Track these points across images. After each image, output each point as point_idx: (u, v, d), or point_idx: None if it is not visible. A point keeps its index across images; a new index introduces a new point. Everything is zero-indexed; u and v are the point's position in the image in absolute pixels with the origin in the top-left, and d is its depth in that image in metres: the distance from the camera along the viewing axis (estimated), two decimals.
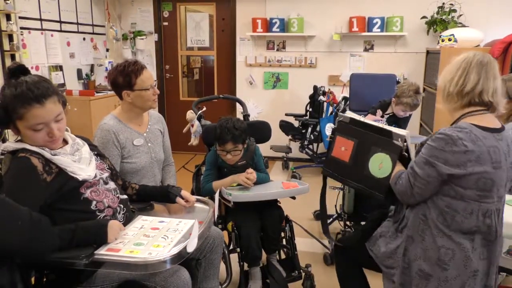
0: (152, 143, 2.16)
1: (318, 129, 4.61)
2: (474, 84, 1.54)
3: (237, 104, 5.13)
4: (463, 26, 4.49)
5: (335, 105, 4.63)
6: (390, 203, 1.80)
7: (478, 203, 1.51)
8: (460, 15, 4.59)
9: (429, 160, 1.51)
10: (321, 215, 2.06)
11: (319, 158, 4.81)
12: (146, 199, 1.87)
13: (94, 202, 1.52)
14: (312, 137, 4.63)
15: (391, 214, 1.78)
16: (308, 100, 4.79)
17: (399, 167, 1.67)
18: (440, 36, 4.15)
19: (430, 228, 1.56)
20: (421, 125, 4.82)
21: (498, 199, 1.54)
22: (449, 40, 4.00)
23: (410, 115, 3.08)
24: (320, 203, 2.03)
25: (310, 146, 4.78)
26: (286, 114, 4.87)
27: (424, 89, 4.82)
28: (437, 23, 4.56)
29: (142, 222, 1.65)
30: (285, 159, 4.99)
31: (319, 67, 5.12)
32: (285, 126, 4.79)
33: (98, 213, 1.52)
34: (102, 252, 1.39)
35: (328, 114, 4.73)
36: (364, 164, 1.75)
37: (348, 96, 4.10)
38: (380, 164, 1.71)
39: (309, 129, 4.62)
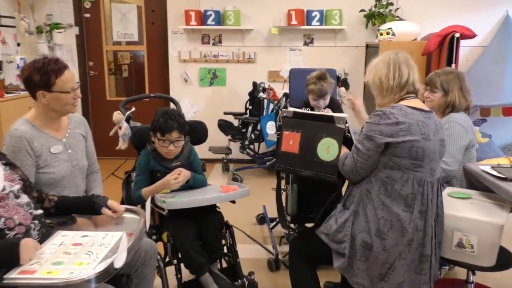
0: (72, 149, 2.08)
1: (259, 128, 4.65)
2: (407, 76, 1.86)
3: (171, 104, 5.01)
4: (401, 19, 4.75)
5: (276, 102, 4.71)
6: (342, 184, 2.04)
7: (412, 172, 1.77)
8: (397, 9, 4.86)
9: (367, 135, 1.78)
10: (278, 210, 2.30)
11: (261, 158, 4.86)
12: (67, 211, 1.79)
13: (2, 220, 1.44)
14: (253, 137, 4.66)
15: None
16: (248, 98, 4.83)
17: (344, 150, 1.94)
18: (378, 30, 4.36)
19: (372, 201, 1.80)
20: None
21: (431, 171, 1.81)
22: (387, 33, 4.22)
23: (339, 107, 3.21)
24: (276, 198, 2.29)
25: (251, 146, 4.81)
26: (225, 113, 4.88)
27: (364, 84, 5.04)
28: (375, 16, 4.79)
29: (62, 238, 1.57)
30: (225, 161, 5.00)
31: (258, 62, 5.18)
32: (224, 126, 4.79)
33: (8, 232, 1.44)
34: (14, 276, 1.30)
35: (269, 112, 4.79)
36: (313, 151, 1.97)
37: (289, 92, 4.19)
38: (327, 149, 1.94)
39: (250, 128, 4.65)
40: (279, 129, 2.12)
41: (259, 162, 4.82)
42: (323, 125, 1.97)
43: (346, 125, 1.93)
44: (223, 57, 5.19)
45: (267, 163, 4.79)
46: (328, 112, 2.02)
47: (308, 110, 2.14)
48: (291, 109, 2.15)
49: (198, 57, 5.21)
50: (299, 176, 2.43)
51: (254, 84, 4.74)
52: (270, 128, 4.63)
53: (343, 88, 3.78)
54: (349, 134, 1.94)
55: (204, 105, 5.31)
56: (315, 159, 1.97)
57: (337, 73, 3.83)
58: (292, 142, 2.06)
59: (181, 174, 2.20)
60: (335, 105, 3.07)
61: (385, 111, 1.77)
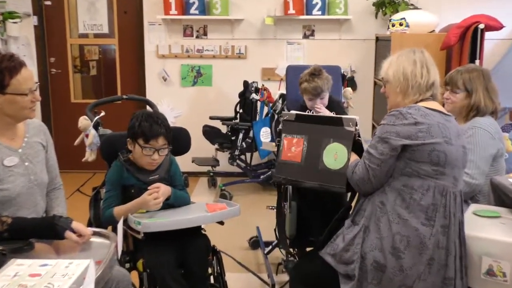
0: (30, 161, 2.06)
1: (251, 134, 4.67)
2: (435, 77, 1.97)
3: (147, 107, 5.00)
4: (416, 8, 4.80)
5: (270, 104, 4.73)
6: (352, 197, 2.14)
7: (433, 179, 1.83)
8: None
9: (381, 137, 1.85)
10: (278, 228, 2.38)
11: (254, 171, 4.86)
12: (23, 236, 1.77)
13: None
14: (244, 145, 4.67)
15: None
16: (238, 100, 4.84)
17: (354, 157, 2.00)
18: (390, 20, 4.39)
19: (386, 214, 1.85)
20: (374, 126, 5.07)
21: (454, 180, 1.87)
22: (400, 25, 4.26)
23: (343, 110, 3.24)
24: (277, 215, 2.37)
25: (242, 157, 4.82)
26: (211, 118, 4.89)
27: (375, 83, 5.09)
28: (386, 4, 4.84)
29: (17, 267, 1.55)
30: (211, 174, 5.00)
31: (250, 58, 5.19)
32: (210, 133, 4.79)
33: None
34: None
35: (263, 116, 4.81)
36: (318, 159, 2.04)
37: (286, 93, 4.20)
38: (335, 155, 2.01)
39: (240, 136, 4.66)
40: (279, 135, 2.19)
41: (252, 176, 4.82)
42: (330, 129, 2.03)
43: (356, 127, 1.99)
44: (208, 52, 5.20)
45: (261, 176, 4.79)
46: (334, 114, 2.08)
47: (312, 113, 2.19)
48: (293, 111, 2.21)
49: (179, 52, 5.22)
50: (300, 191, 2.44)
51: (246, 83, 4.76)
52: (265, 135, 4.63)
53: (349, 89, 3.80)
54: (360, 139, 2.01)
55: (186, 108, 5.31)
56: (321, 168, 2.03)
57: (342, 71, 3.84)
58: (294, 149, 2.11)
59: (160, 191, 2.19)
60: (334, 105, 3.08)
61: (401, 111, 1.85)
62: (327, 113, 2.94)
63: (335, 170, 2.00)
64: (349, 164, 1.97)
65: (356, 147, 2.02)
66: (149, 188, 2.20)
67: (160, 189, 2.20)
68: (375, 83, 5.07)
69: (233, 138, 4.73)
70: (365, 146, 1.99)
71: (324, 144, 2.04)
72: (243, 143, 4.68)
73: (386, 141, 1.83)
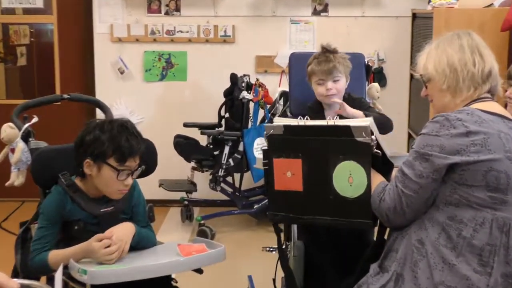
0: None
1: (241, 148, 4.68)
2: (491, 63, 1.99)
3: (97, 110, 4.96)
4: None
5: (268, 106, 4.74)
6: (383, 232, 2.15)
7: (491, 210, 1.83)
8: None
9: (420, 152, 1.87)
10: (287, 280, 2.39)
11: (244, 199, 4.85)
12: None
13: None
14: (232, 163, 4.67)
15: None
16: (223, 100, 4.85)
17: (377, 178, 2.02)
18: None
19: (426, 258, 1.86)
20: (410, 137, 5.09)
21: None
22: None
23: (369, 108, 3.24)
24: (281, 263, 2.40)
25: (229, 179, 4.82)
26: (186, 125, 4.90)
27: (411, 77, 5.11)
28: None
29: None
30: (186, 203, 4.99)
31: (240, 43, 5.20)
32: (184, 146, 4.80)
33: None
34: None
35: (258, 122, 4.81)
36: (327, 184, 2.03)
37: (288, 90, 4.19)
38: (349, 178, 2.01)
39: (226, 149, 4.66)
40: (266, 156, 2.17)
41: (242, 205, 4.81)
42: (337, 142, 2.02)
43: (373, 137, 1.98)
44: (182, 34, 5.22)
45: (255, 206, 4.78)
46: (338, 120, 2.05)
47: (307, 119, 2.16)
48: (279, 122, 2.15)
49: (141, 34, 5.23)
50: (308, 227, 2.45)
51: (234, 78, 4.76)
52: (260, 148, 4.60)
53: (375, 85, 3.78)
54: (379, 151, 2.01)
55: (151, 112, 5.31)
56: (333, 197, 2.03)
57: (366, 60, 3.84)
58: (291, 173, 2.10)
59: (116, 239, 2.15)
60: (356, 104, 3.09)
61: (448, 117, 1.86)
62: (345, 106, 2.94)
63: (353, 198, 2.00)
64: (373, 190, 1.98)
65: (376, 162, 2.02)
66: (98, 237, 2.16)
67: (113, 233, 2.16)
68: (411, 77, 5.09)
69: (216, 152, 4.72)
70: (398, 162, 2.01)
71: (332, 164, 2.03)
72: (230, 160, 4.66)
73: (427, 158, 1.85)
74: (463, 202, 1.84)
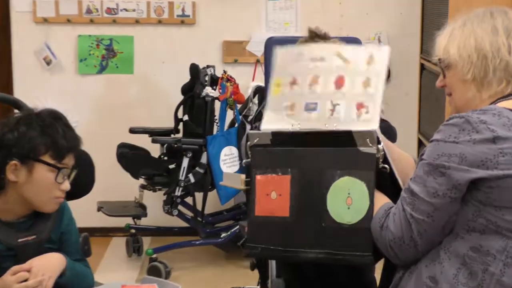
0: None
1: (203, 160, 4.67)
2: None
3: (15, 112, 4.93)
4: None
5: (238, 106, 4.74)
6: (389, 268, 2.09)
7: None
8: None
9: (434, 164, 1.84)
10: None
11: (209, 225, 4.84)
12: None
13: None
14: (192, 180, 4.66)
15: None
16: (181, 98, 4.84)
17: (379, 198, 1.98)
18: None
19: None
20: (420, 144, 5.12)
21: None
22: None
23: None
24: None
25: (189, 200, 4.79)
26: (133, 131, 4.89)
27: (422, 67, 5.14)
28: None
29: None
30: (132, 231, 4.97)
31: (202, 25, 5.21)
32: (130, 158, 4.77)
33: None
34: None
35: (225, 127, 4.82)
36: (320, 208, 1.99)
37: (264, 85, 4.19)
38: (347, 199, 1.97)
39: (185, 162, 4.65)
40: (248, 173, 2.17)
41: (206, 234, 4.80)
42: (336, 154, 2.01)
43: (380, 146, 1.96)
44: (127, 13, 5.22)
45: (222, 235, 4.77)
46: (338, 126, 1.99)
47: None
48: (267, 128, 2.11)
49: (74, 13, 5.21)
50: (294, 263, 2.42)
51: (194, 69, 4.76)
52: (228, 160, 4.64)
53: None
54: (386, 166, 1.99)
55: (87, 114, 5.28)
56: (326, 224, 1.98)
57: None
58: (276, 194, 2.05)
59: (35, 272, 2.13)
60: None
61: (469, 118, 1.83)
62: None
63: (351, 225, 1.95)
64: (374, 213, 1.94)
65: (383, 180, 2.00)
66: (13, 270, 2.13)
67: (33, 267, 2.14)
68: (422, 67, 5.13)
69: (171, 166, 4.70)
70: (403, 181, 1.98)
71: (328, 181, 1.99)
72: (190, 176, 4.65)
73: (443, 171, 1.81)
74: (491, 228, 1.81)
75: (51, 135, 2.21)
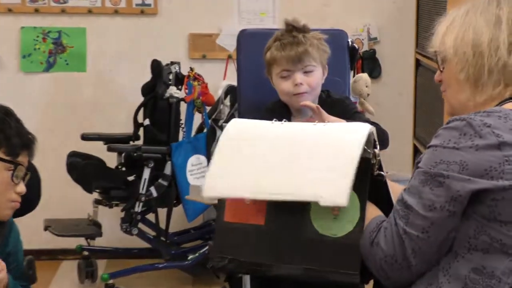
0: None
1: (167, 171, 4.69)
2: None
3: None
4: None
5: (207, 109, 4.75)
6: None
7: None
8: None
9: (431, 173, 1.83)
10: None
11: (174, 246, 4.85)
12: None
13: None
14: (155, 193, 4.66)
15: None
16: (141, 100, 4.84)
17: (370, 210, 1.99)
18: None
19: None
20: (416, 150, 5.16)
21: None
22: None
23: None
24: None
25: (151, 217, 4.81)
26: (85, 137, 4.90)
27: (417, 63, 5.20)
28: None
29: None
30: (85, 253, 4.94)
31: (166, 15, 5.23)
32: (83, 168, 4.76)
33: None
34: None
35: (192, 133, 4.84)
36: (302, 217, 1.98)
37: (237, 85, 4.19)
38: (334, 208, 1.94)
39: (146, 173, 4.65)
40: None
41: (171, 256, 4.81)
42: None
43: (376, 150, 1.98)
44: (78, 1, 5.21)
45: (190, 257, 4.78)
46: (328, 124, 2.04)
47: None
48: (243, 121, 2.16)
49: (16, 2, 5.19)
50: (268, 280, 2.44)
51: (156, 66, 4.77)
52: (196, 171, 4.67)
53: (364, 76, 3.84)
54: (382, 173, 2.01)
55: (33, 118, 5.12)
56: (307, 235, 1.98)
57: (349, 40, 3.90)
58: (250, 200, 2.02)
59: None
60: (339, 106, 3.10)
61: (471, 121, 1.83)
62: (321, 112, 2.95)
63: (336, 238, 1.94)
64: (365, 226, 1.94)
65: (376, 191, 2.01)
66: None
67: None
68: (418, 63, 5.18)
69: (130, 178, 4.72)
70: (395, 191, 2.00)
71: None
72: (152, 189, 4.66)
73: (441, 181, 1.80)
74: (495, 246, 1.80)
75: (4, 131, 2.29)
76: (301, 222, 1.98)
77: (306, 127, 2.17)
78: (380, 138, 2.83)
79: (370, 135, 1.96)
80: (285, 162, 2.01)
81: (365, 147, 1.93)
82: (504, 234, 1.79)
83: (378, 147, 1.98)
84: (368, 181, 1.96)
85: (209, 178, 2.09)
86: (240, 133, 2.16)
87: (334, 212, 1.95)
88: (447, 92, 2.05)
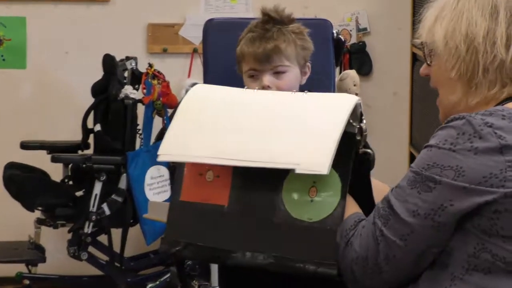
0: None
1: (122, 185, 4.70)
2: None
3: None
4: None
5: (169, 111, 4.75)
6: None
7: None
8: None
9: (423, 175, 1.84)
10: None
11: (130, 272, 4.86)
12: None
13: None
14: (107, 211, 4.67)
15: None
16: (91, 101, 4.85)
17: (353, 205, 2.01)
18: None
19: None
20: (412, 158, 5.14)
21: None
22: None
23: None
24: None
25: (103, 238, 4.81)
26: (25, 146, 4.88)
27: (414, 58, 5.24)
28: None
29: None
30: (26, 282, 4.92)
31: (119, 2, 5.25)
32: (22, 183, 4.76)
33: None
34: None
35: (152, 140, 4.86)
36: (272, 198, 1.98)
37: (203, 83, 4.21)
38: (311, 189, 1.95)
39: (98, 187, 4.67)
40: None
41: (126, 284, 4.81)
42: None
43: (363, 125, 1.97)
44: None
45: (149, 285, 4.79)
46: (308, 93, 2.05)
47: None
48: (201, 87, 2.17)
49: None
50: (231, 270, 2.46)
51: (108, 62, 4.79)
52: (156, 185, 4.69)
53: (351, 73, 3.86)
54: (369, 152, 2.03)
55: None
56: (277, 219, 1.97)
57: (334, 31, 3.92)
58: (213, 176, 2.05)
59: None
60: None
61: (471, 119, 1.83)
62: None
63: (312, 223, 1.93)
64: (345, 213, 1.94)
65: (360, 178, 2.03)
66: None
67: None
68: (414, 58, 5.25)
69: (79, 193, 4.72)
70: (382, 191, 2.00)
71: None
72: (105, 206, 4.66)
73: (431, 186, 1.82)
74: (498, 266, 1.80)
75: None
76: (271, 204, 1.97)
77: (284, 94, 2.21)
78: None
79: (356, 107, 1.94)
80: (257, 127, 2.02)
81: (350, 120, 1.92)
82: (507, 250, 1.79)
83: (364, 121, 1.95)
84: (352, 159, 1.96)
85: (165, 141, 2.09)
86: (206, 95, 2.19)
87: (311, 193, 1.94)
88: (439, 91, 2.06)
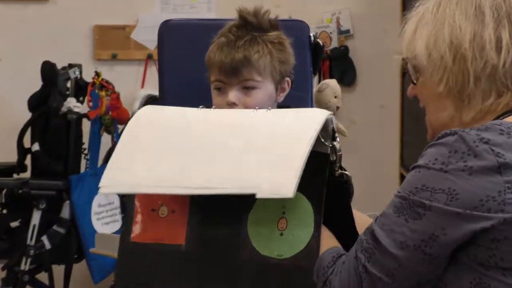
0: None
1: (66, 213, 4.69)
2: None
3: None
4: None
5: (119, 127, 4.77)
6: None
7: None
8: None
9: (410, 201, 1.86)
10: None
11: None
12: None
13: None
14: (48, 244, 4.67)
15: None
16: (28, 116, 4.86)
17: (329, 238, 2.04)
18: None
19: None
20: (403, 180, 5.19)
21: None
22: None
23: None
24: None
25: (42, 276, 4.79)
26: None
27: (403, 71, 5.23)
28: None
29: None
30: None
31: (61, 1, 5.28)
32: None
33: None
34: None
35: (99, 162, 4.87)
36: (236, 233, 2.02)
37: (159, 95, 4.21)
38: (280, 221, 1.98)
39: (36, 217, 4.67)
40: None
41: None
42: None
43: (336, 144, 2.00)
44: None
45: None
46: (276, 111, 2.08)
47: None
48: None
49: None
50: None
51: (48, 70, 4.79)
52: (104, 214, 4.71)
53: (332, 82, 3.89)
54: (346, 172, 2.05)
55: None
56: (243, 256, 2.00)
57: (311, 35, 3.94)
58: (167, 211, 2.06)
59: None
60: None
61: (464, 135, 1.85)
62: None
63: (282, 260, 1.96)
64: (321, 253, 1.98)
65: (337, 204, 2.05)
66: None
67: None
68: (403, 70, 5.20)
69: (14, 224, 4.72)
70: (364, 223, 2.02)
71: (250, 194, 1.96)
72: (44, 239, 4.66)
73: (420, 213, 1.83)
74: None
75: None
76: (235, 240, 1.99)
77: (244, 113, 2.23)
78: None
79: (327, 122, 1.95)
80: (210, 150, 2.03)
81: (321, 139, 1.94)
82: (508, 285, 1.81)
83: (337, 139, 1.97)
84: (325, 184, 1.97)
85: (108, 171, 2.06)
86: (154, 119, 2.18)
87: (280, 225, 1.95)
88: (427, 111, 2.09)
